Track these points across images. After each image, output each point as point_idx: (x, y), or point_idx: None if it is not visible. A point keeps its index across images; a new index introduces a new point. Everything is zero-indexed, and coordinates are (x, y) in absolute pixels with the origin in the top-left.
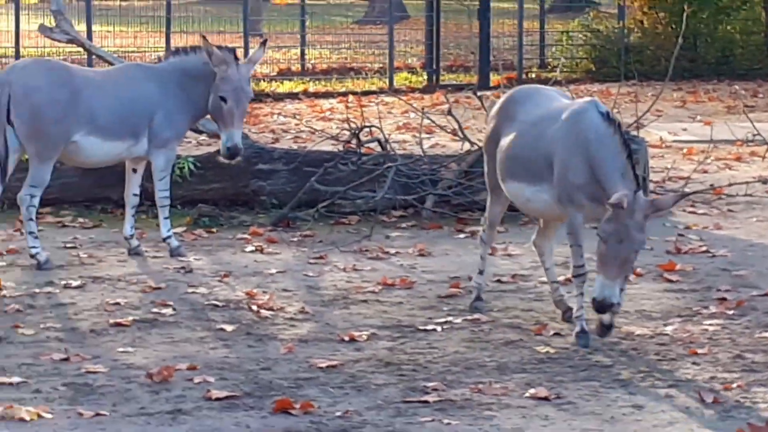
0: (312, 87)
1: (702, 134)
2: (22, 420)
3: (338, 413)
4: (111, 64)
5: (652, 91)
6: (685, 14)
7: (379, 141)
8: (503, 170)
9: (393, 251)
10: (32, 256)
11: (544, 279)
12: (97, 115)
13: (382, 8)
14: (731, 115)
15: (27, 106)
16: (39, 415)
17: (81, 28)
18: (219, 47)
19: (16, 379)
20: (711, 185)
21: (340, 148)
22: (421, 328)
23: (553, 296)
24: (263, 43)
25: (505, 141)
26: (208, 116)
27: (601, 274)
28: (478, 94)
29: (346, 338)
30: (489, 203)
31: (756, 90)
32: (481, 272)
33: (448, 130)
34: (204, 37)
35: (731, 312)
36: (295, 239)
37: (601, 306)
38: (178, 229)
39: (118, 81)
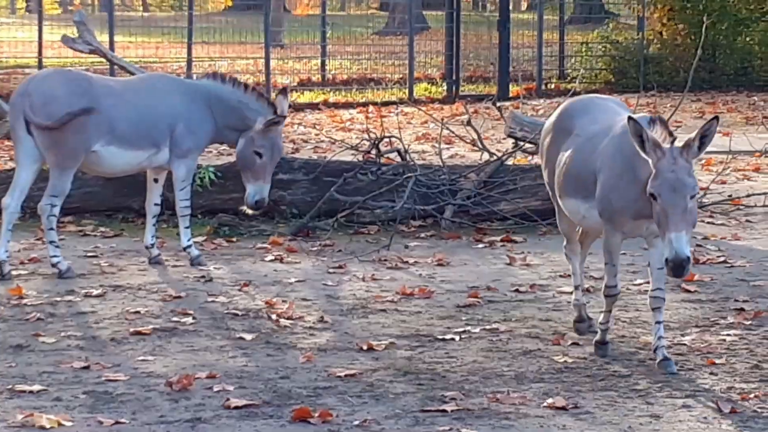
0: (332, 97)
1: (721, 145)
2: (42, 428)
3: (356, 422)
4: (133, 74)
5: (670, 102)
6: (704, 26)
7: (398, 151)
8: (560, 187)
9: (412, 261)
10: (53, 265)
11: (563, 289)
12: (117, 125)
13: (402, 19)
14: (750, 126)
15: (46, 116)
16: (59, 423)
17: (103, 38)
18: (260, 95)
19: (36, 387)
20: (729, 196)
21: (360, 158)
22: (440, 337)
23: (575, 303)
24: (284, 92)
25: (562, 157)
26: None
27: (665, 231)
28: (498, 104)
29: (365, 347)
30: (557, 217)
31: None
32: (576, 287)
33: (468, 141)
34: (256, 90)
35: (749, 322)
36: (315, 249)
37: (677, 264)
38: (199, 239)
39: (140, 90)
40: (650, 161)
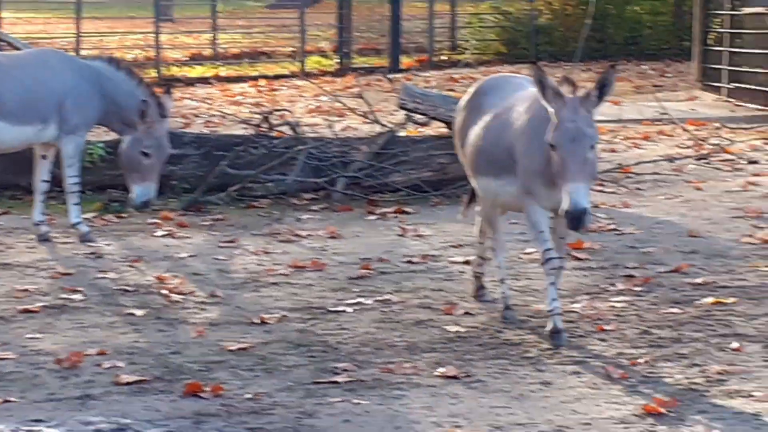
0: (223, 71)
1: (611, 114)
2: None
3: (248, 395)
4: (20, 50)
5: (561, 72)
6: None
7: (290, 124)
8: (471, 165)
9: (304, 234)
10: None
11: (454, 259)
12: (4, 99)
13: None
14: (639, 94)
15: None
16: None
17: None
18: (153, 93)
19: None
20: (619, 164)
21: (252, 132)
22: (332, 309)
23: (474, 269)
24: (170, 91)
25: (471, 135)
26: None
27: (564, 182)
28: (389, 76)
29: (257, 321)
30: (480, 205)
31: (664, 70)
32: (502, 281)
33: (359, 113)
34: (149, 86)
35: (638, 289)
36: (206, 223)
37: (575, 216)
38: (89, 215)
39: (28, 65)
40: (551, 111)
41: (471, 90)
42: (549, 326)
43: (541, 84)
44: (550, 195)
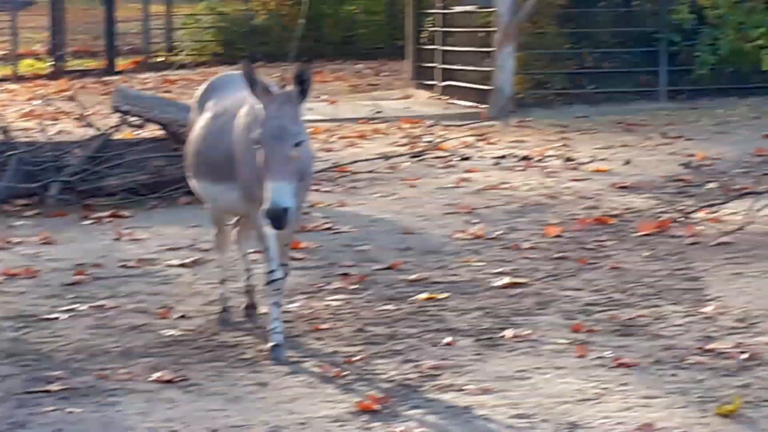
0: None
1: (327, 113)
2: None
3: None
4: None
5: (278, 72)
6: None
7: (0, 129)
8: (189, 167)
9: (16, 240)
10: None
11: (171, 262)
12: None
13: None
14: (356, 93)
15: None
16: None
17: None
18: None
19: None
20: (335, 163)
21: None
22: (45, 317)
23: (245, 284)
24: None
25: (192, 135)
26: None
27: (269, 180)
28: (104, 79)
29: None
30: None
31: (379, 69)
32: (222, 281)
33: (73, 117)
34: None
35: (354, 287)
36: None
37: (274, 216)
38: None
39: None
40: (259, 107)
41: (202, 86)
42: (270, 342)
43: (250, 80)
44: None
